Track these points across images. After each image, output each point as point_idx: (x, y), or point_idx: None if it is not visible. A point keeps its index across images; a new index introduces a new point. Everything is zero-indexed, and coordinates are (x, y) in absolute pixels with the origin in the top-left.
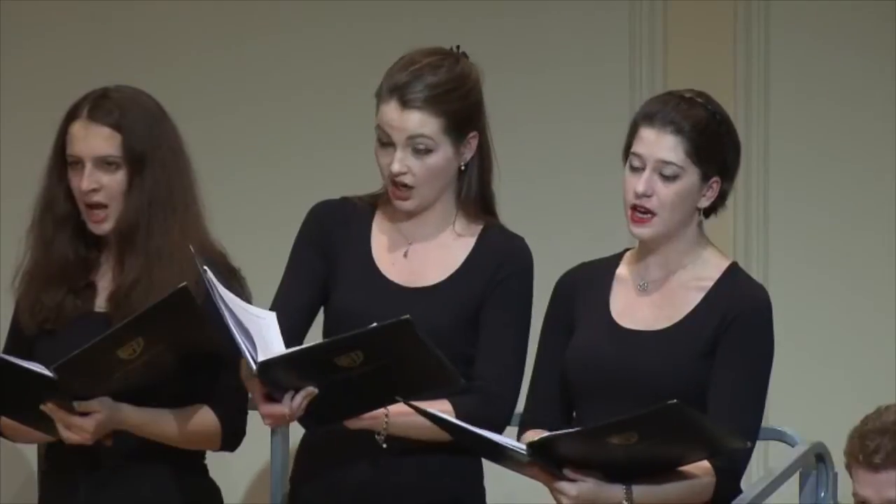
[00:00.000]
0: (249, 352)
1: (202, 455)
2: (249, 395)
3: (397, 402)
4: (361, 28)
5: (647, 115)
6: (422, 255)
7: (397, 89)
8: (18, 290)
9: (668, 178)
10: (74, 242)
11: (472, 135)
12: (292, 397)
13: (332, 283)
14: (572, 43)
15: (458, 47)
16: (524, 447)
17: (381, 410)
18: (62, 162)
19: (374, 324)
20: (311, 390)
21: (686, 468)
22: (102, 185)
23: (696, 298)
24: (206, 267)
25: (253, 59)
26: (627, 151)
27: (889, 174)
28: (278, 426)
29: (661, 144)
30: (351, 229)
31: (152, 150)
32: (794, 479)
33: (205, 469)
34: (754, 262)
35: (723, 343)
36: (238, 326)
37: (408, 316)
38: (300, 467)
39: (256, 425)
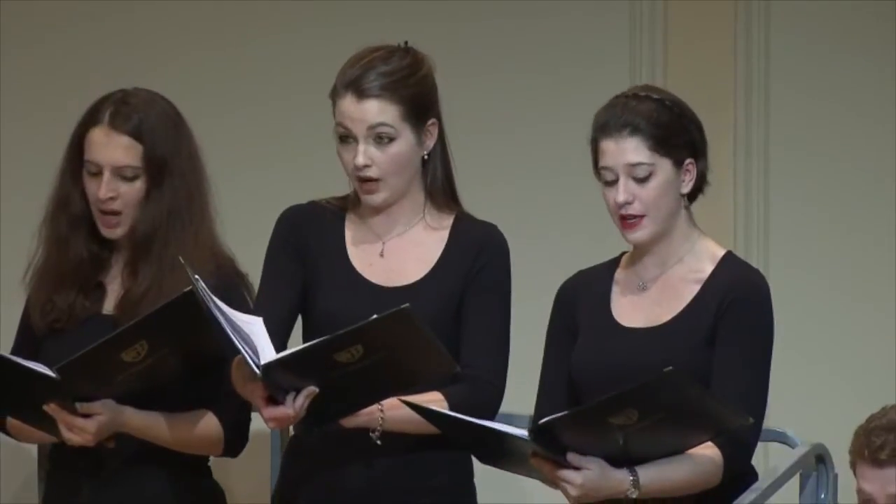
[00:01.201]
0: (251, 356)
1: (206, 456)
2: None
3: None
4: (364, 29)
5: (601, 127)
6: (398, 253)
7: (352, 83)
8: (29, 286)
9: (642, 180)
10: (88, 242)
11: (431, 122)
12: (294, 398)
13: (310, 288)
14: (572, 43)
15: (405, 43)
16: (526, 433)
17: (376, 406)
18: (78, 163)
19: (375, 315)
20: (313, 389)
21: (694, 451)
22: (120, 194)
23: (693, 290)
24: (197, 277)
25: (257, 61)
26: (597, 169)
27: (889, 174)
28: (281, 428)
29: (623, 149)
30: (324, 233)
31: (172, 159)
32: (795, 481)
33: (208, 470)
34: (754, 263)
35: (722, 324)
36: (236, 333)
37: (407, 305)
38: (290, 472)
39: (257, 426)
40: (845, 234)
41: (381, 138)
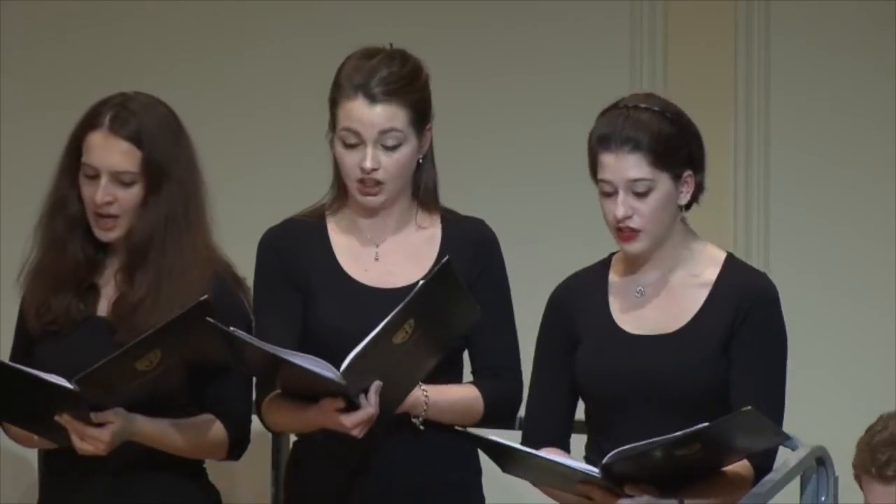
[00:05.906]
0: (326, 370)
1: (201, 459)
2: (251, 402)
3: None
4: (365, 33)
5: (601, 140)
6: (392, 255)
7: (361, 86)
8: (24, 287)
9: (642, 194)
10: (84, 244)
11: (428, 126)
12: (366, 397)
13: (308, 306)
14: (573, 44)
15: (391, 45)
16: (597, 470)
17: (421, 391)
18: (76, 165)
19: (421, 281)
20: (379, 384)
21: (731, 470)
22: (117, 199)
23: (700, 296)
24: (233, 329)
25: (259, 65)
26: (595, 176)
27: (889, 175)
28: (365, 431)
29: (623, 165)
30: (309, 249)
31: (171, 167)
32: (795, 483)
33: (204, 472)
34: (754, 264)
35: (740, 336)
36: (295, 356)
37: (447, 257)
38: (301, 472)
39: (256, 427)
40: (845, 236)
41: (389, 143)
